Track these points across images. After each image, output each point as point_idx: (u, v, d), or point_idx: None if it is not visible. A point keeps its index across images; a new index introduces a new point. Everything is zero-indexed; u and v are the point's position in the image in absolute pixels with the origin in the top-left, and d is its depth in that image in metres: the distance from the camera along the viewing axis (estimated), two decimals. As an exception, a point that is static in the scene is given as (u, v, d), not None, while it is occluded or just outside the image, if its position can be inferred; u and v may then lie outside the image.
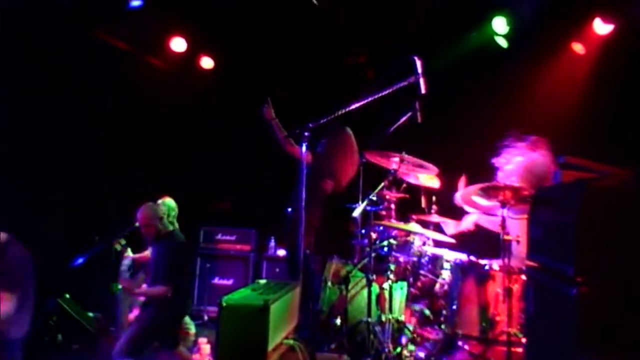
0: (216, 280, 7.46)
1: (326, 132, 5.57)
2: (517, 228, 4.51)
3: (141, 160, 7.44)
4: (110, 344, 6.24)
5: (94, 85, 6.91)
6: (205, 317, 7.06)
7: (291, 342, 3.48)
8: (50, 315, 6.52)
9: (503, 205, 4.33)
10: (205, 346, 2.62)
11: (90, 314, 6.94)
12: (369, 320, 4.60)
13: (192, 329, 6.17)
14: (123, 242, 6.31)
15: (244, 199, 8.17)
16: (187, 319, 6.32)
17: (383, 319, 4.69)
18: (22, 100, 6.16)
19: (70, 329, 6.53)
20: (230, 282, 7.36)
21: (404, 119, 4.81)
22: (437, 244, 5.35)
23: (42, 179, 6.67)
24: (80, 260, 6.28)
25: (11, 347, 3.73)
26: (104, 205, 7.07)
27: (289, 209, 5.44)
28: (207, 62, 7.75)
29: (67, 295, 6.80)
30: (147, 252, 5.76)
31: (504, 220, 4.33)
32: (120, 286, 6.39)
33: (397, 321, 4.93)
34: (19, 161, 6.35)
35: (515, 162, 4.81)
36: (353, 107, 4.30)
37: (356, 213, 4.78)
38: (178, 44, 7.37)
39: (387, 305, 4.76)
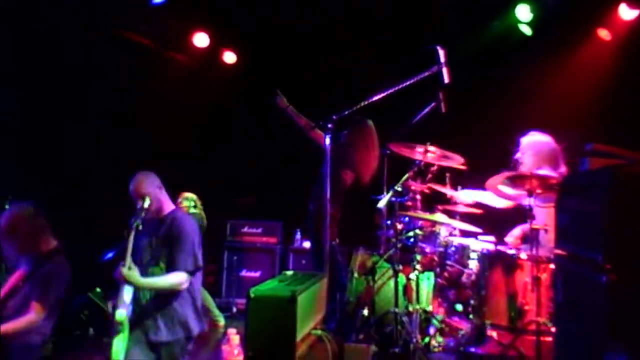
0: (244, 273, 7.54)
1: (348, 124, 5.56)
2: (544, 217, 4.47)
3: (167, 155, 7.51)
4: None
5: (117, 82, 7.00)
6: (234, 309, 7.13)
7: (319, 332, 3.51)
8: (81, 309, 6.66)
9: (530, 194, 4.30)
10: (234, 337, 2.66)
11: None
12: (396, 310, 4.60)
13: (222, 321, 6.25)
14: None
15: (269, 192, 8.22)
16: (216, 311, 6.42)
17: (410, 309, 4.69)
18: (45, 98, 6.27)
19: (102, 322, 6.66)
20: (257, 274, 7.43)
21: (427, 109, 4.80)
22: (464, 233, 5.34)
23: (72, 175, 6.80)
24: (109, 255, 6.40)
25: (28, 352, 3.79)
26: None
27: (310, 202, 5.46)
28: (229, 57, 7.80)
29: (98, 290, 6.93)
30: None
31: (531, 209, 4.30)
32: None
33: (425, 311, 4.94)
34: (49, 157, 6.48)
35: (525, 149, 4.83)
36: (376, 98, 4.30)
37: (381, 204, 4.78)
38: (201, 39, 7.43)
39: (414, 296, 4.77)
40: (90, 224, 6.91)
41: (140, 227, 3.52)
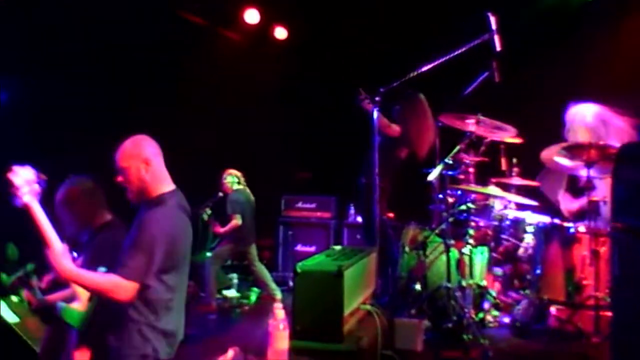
0: (299, 247, 7.62)
1: (399, 98, 5.46)
2: (604, 188, 4.30)
3: (221, 132, 7.62)
4: (201, 308, 6.56)
5: (172, 61, 7.11)
6: (290, 283, 7.23)
7: (368, 307, 3.51)
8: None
9: (588, 165, 4.14)
10: (279, 311, 2.68)
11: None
12: (449, 285, 4.54)
13: (279, 295, 6.37)
14: (209, 212, 6.58)
15: (324, 167, 8.24)
16: (273, 285, 6.53)
17: (464, 284, 4.63)
18: (100, 77, 6.43)
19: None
20: (312, 248, 7.48)
21: (480, 79, 4.65)
22: (520, 207, 5.19)
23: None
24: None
25: None
26: (190, 175, 7.32)
27: (362, 176, 5.42)
28: (280, 33, 7.80)
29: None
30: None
31: (589, 180, 4.14)
32: (208, 254, 6.69)
33: (479, 286, 4.86)
34: (105, 133, 6.68)
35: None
36: (426, 69, 4.20)
37: (431, 177, 4.70)
38: (251, 16, 7.46)
39: (467, 271, 4.69)
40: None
41: None
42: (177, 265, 2.80)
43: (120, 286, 2.55)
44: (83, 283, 2.65)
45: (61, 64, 6.00)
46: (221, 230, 6.48)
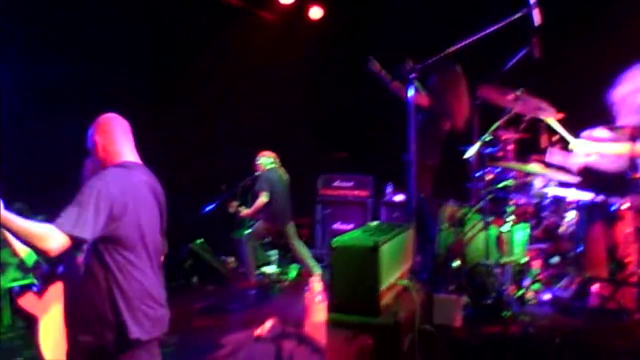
0: (337, 226, 7.69)
1: (436, 69, 5.44)
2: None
3: (258, 112, 7.68)
4: (241, 284, 6.70)
5: (208, 43, 7.18)
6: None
7: (405, 282, 3.52)
8: (185, 259, 7.08)
9: (632, 138, 4.04)
10: (316, 284, 2.73)
11: (222, 258, 7.45)
12: (487, 262, 4.52)
13: (318, 271, 6.44)
14: (236, 203, 6.71)
15: (361, 146, 8.24)
16: (312, 261, 6.61)
17: (503, 261, 4.60)
18: (138, 59, 6.55)
19: (204, 271, 7.06)
20: (350, 226, 7.53)
21: (520, 55, 4.56)
22: (561, 184, 5.11)
23: (175, 134, 7.13)
24: (209, 207, 6.74)
25: None
26: (228, 156, 7.43)
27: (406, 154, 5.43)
28: (315, 12, 7.78)
29: (199, 241, 7.33)
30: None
31: (633, 157, 4.05)
32: (246, 231, 6.81)
33: (519, 264, 4.82)
34: (148, 116, 6.81)
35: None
36: (464, 44, 4.14)
37: (469, 154, 4.67)
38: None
39: (507, 248, 4.66)
40: (194, 178, 7.24)
41: None
42: (135, 240, 2.65)
43: (49, 235, 2.41)
44: (11, 227, 2.44)
45: (100, 47, 6.14)
46: (248, 212, 6.58)
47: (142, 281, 2.67)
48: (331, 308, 3.00)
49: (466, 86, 5.51)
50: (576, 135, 4.86)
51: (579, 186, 5.00)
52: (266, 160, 6.68)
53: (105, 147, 2.79)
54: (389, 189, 7.56)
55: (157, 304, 2.74)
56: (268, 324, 2.93)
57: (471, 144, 4.81)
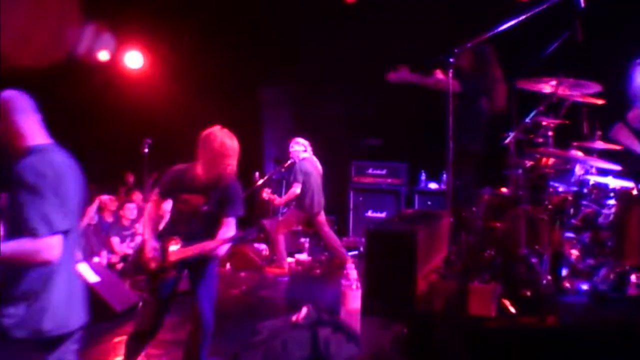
0: (370, 213, 7.65)
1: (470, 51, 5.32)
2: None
3: (293, 100, 7.67)
4: (274, 271, 6.74)
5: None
6: (361, 248, 7.28)
7: (441, 271, 3.48)
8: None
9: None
10: (352, 272, 2.71)
11: (255, 245, 7.50)
12: (524, 251, 4.43)
13: (348, 259, 6.43)
14: (270, 190, 6.75)
15: (395, 134, 8.17)
16: (342, 249, 6.61)
17: (540, 250, 4.50)
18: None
19: (237, 259, 7.11)
20: (383, 214, 7.50)
21: (562, 38, 4.44)
22: (602, 172, 4.98)
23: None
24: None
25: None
26: (259, 147, 7.46)
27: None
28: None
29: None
30: None
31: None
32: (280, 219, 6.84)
33: (557, 253, 4.71)
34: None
35: None
36: (503, 28, 4.05)
37: (508, 141, 4.57)
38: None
39: (545, 237, 4.56)
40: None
41: None
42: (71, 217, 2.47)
43: (39, 247, 2.25)
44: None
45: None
46: (280, 200, 6.59)
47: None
48: (366, 295, 2.98)
49: (499, 66, 5.39)
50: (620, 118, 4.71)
51: (620, 174, 4.87)
52: (299, 148, 6.67)
53: (16, 130, 2.52)
54: (423, 177, 7.49)
55: None
56: (304, 310, 2.93)
57: (510, 130, 4.71)
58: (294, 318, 3.08)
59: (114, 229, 7.11)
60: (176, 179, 3.90)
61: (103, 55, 8.55)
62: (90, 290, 5.41)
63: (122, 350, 4.52)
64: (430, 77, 5.27)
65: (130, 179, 8.80)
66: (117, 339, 4.86)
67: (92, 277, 5.51)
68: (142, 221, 6.76)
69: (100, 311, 5.33)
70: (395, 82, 5.36)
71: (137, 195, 7.77)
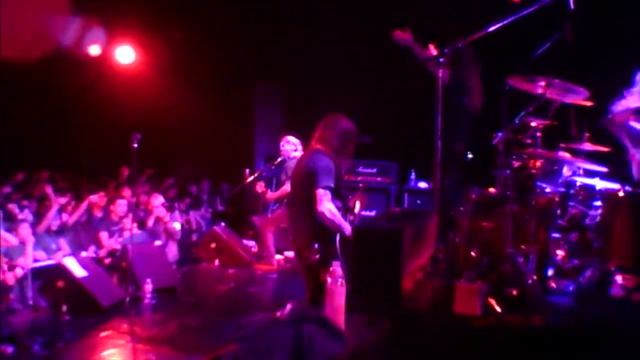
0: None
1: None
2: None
3: (286, 98, 7.68)
4: (262, 268, 6.74)
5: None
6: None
7: (427, 269, 3.50)
8: (209, 242, 7.16)
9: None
10: (337, 268, 2.72)
11: (244, 242, 7.50)
12: (511, 251, 4.46)
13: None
14: (263, 184, 6.76)
15: (385, 132, 8.18)
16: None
17: (527, 250, 4.53)
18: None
19: (227, 255, 7.12)
20: (372, 213, 7.50)
21: (552, 40, 4.47)
22: (589, 173, 5.01)
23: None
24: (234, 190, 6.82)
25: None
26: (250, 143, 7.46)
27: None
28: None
29: (223, 224, 7.38)
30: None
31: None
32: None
33: (543, 253, 4.74)
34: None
35: None
36: (493, 29, 4.06)
37: (496, 141, 4.60)
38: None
39: (531, 237, 4.59)
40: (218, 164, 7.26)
41: None
42: None
43: None
44: None
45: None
46: (272, 195, 6.61)
47: None
48: (352, 292, 2.99)
49: (478, 65, 5.45)
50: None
51: (607, 176, 4.91)
52: (290, 147, 6.68)
53: None
54: (413, 176, 7.52)
55: None
56: (288, 306, 2.94)
57: (498, 130, 4.73)
58: (278, 314, 3.09)
59: (103, 224, 7.09)
60: None
61: (94, 50, 8.51)
62: (78, 285, 5.40)
63: (108, 344, 4.53)
64: (425, 50, 5.31)
65: (125, 172, 8.77)
66: (103, 334, 4.85)
67: (80, 272, 5.50)
68: (130, 216, 6.75)
69: (87, 305, 5.32)
70: (397, 40, 5.42)
71: (127, 191, 7.74)
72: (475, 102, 5.46)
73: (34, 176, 8.04)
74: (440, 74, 3.97)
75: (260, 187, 6.67)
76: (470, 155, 5.59)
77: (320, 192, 4.08)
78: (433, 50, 5.21)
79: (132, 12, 7.99)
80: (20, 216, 6.44)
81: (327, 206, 4.06)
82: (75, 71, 8.31)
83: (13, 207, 6.58)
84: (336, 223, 4.02)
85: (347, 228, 4.04)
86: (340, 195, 4.47)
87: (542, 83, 4.52)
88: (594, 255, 4.68)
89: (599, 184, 4.79)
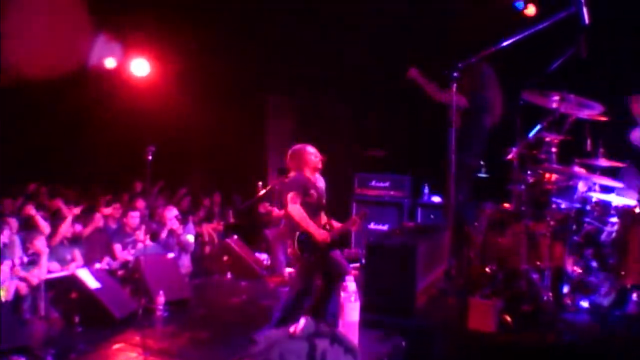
0: (372, 226, 7.63)
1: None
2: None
3: (297, 111, 7.70)
4: (274, 280, 6.73)
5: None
6: (363, 261, 7.27)
7: (441, 285, 3.48)
8: (222, 254, 7.16)
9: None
10: (351, 284, 2.70)
11: (255, 254, 7.50)
12: (526, 267, 4.42)
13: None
14: (268, 204, 6.77)
15: (398, 146, 8.18)
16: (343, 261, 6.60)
17: (542, 266, 4.49)
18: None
19: (239, 268, 7.12)
20: (385, 227, 7.48)
21: (566, 55, 4.45)
22: (605, 189, 4.97)
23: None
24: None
25: None
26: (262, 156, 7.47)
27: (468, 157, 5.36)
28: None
29: (235, 237, 7.39)
30: None
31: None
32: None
33: (558, 270, 4.69)
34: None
35: None
36: (507, 44, 4.05)
37: (511, 156, 4.57)
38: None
39: (546, 253, 4.54)
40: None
41: None
42: None
43: None
44: None
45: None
46: (279, 213, 6.60)
47: None
48: (365, 308, 2.97)
49: (499, 84, 5.43)
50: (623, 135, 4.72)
51: (623, 191, 4.86)
52: None
53: None
54: (426, 190, 7.49)
55: None
56: (302, 321, 2.93)
57: (513, 145, 4.71)
58: (291, 329, 3.07)
59: (117, 236, 7.11)
60: None
61: (109, 63, 8.60)
62: (91, 296, 5.42)
63: (120, 357, 4.53)
64: (445, 91, 5.26)
65: (138, 187, 8.82)
66: (115, 346, 4.85)
67: (93, 283, 5.52)
68: (143, 228, 6.77)
69: (101, 317, 5.33)
70: (411, 79, 5.40)
71: (141, 203, 7.77)
72: (495, 120, 5.44)
73: (42, 188, 8.09)
74: (454, 90, 3.96)
75: (264, 207, 6.70)
76: (484, 172, 5.56)
77: (290, 195, 4.41)
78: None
79: (147, 26, 8.07)
80: (40, 223, 6.40)
81: (292, 208, 4.33)
82: (91, 84, 8.40)
83: (30, 209, 6.59)
84: (302, 225, 4.22)
85: (319, 232, 4.18)
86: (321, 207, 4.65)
87: (557, 97, 4.50)
88: (610, 272, 4.63)
89: (615, 200, 4.74)
